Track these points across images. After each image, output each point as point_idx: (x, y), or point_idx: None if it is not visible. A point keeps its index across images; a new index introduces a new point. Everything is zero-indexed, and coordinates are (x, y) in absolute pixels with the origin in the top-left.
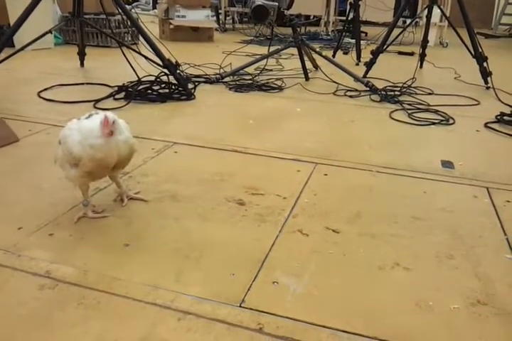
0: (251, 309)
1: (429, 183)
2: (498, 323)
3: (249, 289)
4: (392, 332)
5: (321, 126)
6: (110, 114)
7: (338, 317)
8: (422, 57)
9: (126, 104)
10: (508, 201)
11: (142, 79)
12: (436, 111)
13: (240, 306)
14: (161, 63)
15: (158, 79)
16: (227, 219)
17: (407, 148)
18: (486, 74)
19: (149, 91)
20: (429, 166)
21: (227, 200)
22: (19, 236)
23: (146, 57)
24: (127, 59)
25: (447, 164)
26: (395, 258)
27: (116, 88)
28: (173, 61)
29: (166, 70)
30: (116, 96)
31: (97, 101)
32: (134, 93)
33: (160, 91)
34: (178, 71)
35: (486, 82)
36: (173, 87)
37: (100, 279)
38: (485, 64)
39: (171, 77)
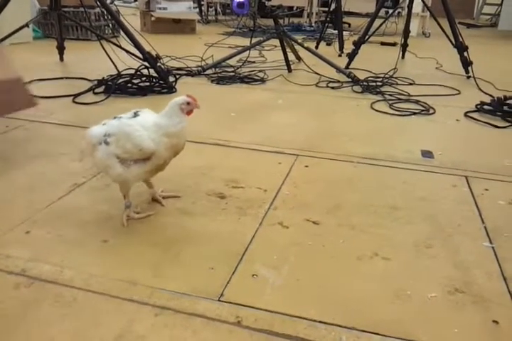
0: (230, 302)
1: (409, 173)
2: (475, 311)
3: (228, 282)
4: (369, 322)
5: (302, 117)
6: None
7: (316, 308)
8: (404, 47)
9: (105, 98)
10: (487, 189)
11: (122, 73)
12: (417, 102)
13: (219, 300)
14: (141, 56)
15: (138, 73)
16: (207, 213)
17: (387, 138)
18: (466, 63)
19: (129, 84)
20: (409, 156)
21: (207, 194)
22: None
23: (126, 51)
24: (106, 52)
25: (427, 154)
26: (373, 248)
27: (95, 82)
28: (154, 54)
29: (146, 63)
30: (96, 90)
31: (77, 95)
32: (114, 87)
33: (140, 84)
34: (158, 64)
35: (467, 72)
36: (154, 80)
37: (77, 276)
38: (465, 53)
39: (152, 70)
